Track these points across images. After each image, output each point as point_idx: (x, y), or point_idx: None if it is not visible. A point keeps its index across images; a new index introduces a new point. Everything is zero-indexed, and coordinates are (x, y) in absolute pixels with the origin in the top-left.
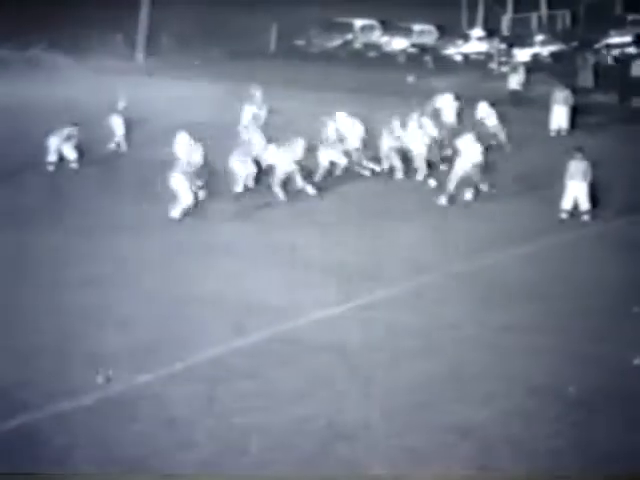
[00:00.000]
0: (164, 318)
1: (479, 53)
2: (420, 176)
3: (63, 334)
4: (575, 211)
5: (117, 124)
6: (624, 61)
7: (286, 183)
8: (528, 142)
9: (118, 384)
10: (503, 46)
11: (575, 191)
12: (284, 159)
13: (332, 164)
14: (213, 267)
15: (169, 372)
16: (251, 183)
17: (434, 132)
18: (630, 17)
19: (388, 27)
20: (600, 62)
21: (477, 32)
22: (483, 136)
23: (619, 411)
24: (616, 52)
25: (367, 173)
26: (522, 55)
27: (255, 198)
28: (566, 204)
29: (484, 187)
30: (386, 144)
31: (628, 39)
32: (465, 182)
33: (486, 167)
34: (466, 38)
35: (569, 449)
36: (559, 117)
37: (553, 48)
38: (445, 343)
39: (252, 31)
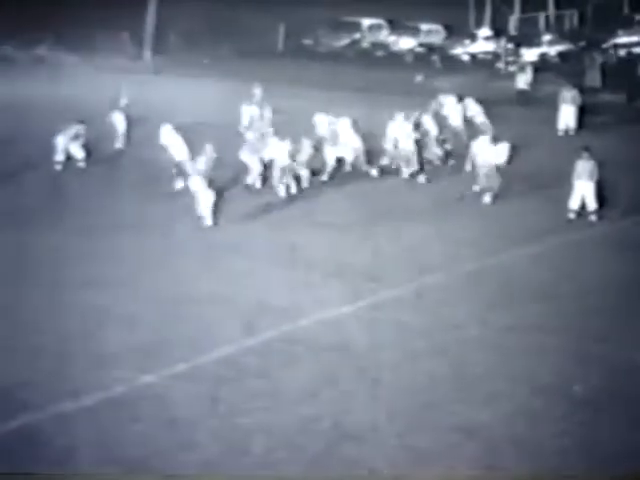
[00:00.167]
0: (169, 318)
1: (486, 53)
2: (405, 174)
3: (66, 334)
4: (582, 211)
5: (119, 121)
6: (632, 61)
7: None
8: (536, 142)
9: (121, 384)
10: (510, 46)
11: (582, 191)
12: (282, 154)
13: (339, 161)
14: (218, 267)
15: (173, 372)
16: (258, 183)
17: (434, 130)
18: (638, 17)
19: (396, 26)
20: (608, 62)
21: (484, 32)
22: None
23: (624, 411)
24: (624, 52)
25: (375, 173)
26: (529, 55)
27: (262, 198)
28: (573, 204)
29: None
30: (389, 143)
31: (636, 39)
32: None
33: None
34: (473, 38)
35: (574, 449)
36: (567, 117)
37: (561, 48)
38: (450, 343)
39: (260, 30)
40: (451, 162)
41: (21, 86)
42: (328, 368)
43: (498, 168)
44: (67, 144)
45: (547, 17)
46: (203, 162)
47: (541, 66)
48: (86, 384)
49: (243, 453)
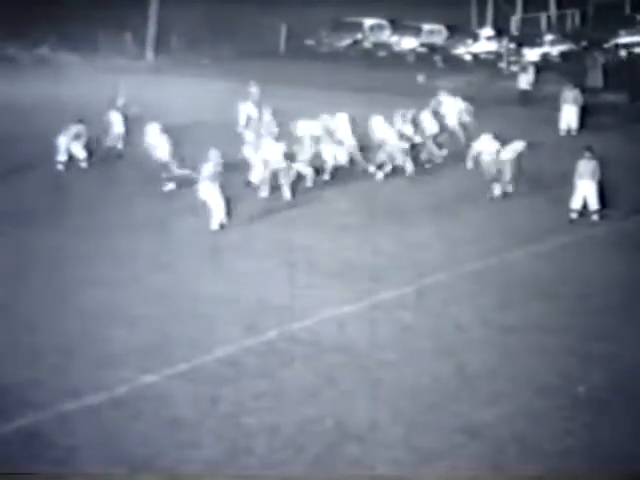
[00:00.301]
0: (171, 318)
1: (488, 53)
2: (373, 168)
3: (68, 334)
4: (584, 211)
5: (116, 121)
6: (634, 61)
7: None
8: (537, 142)
9: (124, 384)
10: (512, 46)
11: (584, 190)
12: (275, 155)
13: (337, 161)
14: (220, 267)
15: (175, 372)
16: (265, 191)
17: (435, 128)
18: (639, 17)
19: (397, 27)
20: (609, 62)
21: (487, 32)
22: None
23: (628, 411)
24: (625, 52)
25: (380, 174)
26: (531, 55)
27: (265, 199)
28: (575, 204)
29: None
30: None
31: (637, 39)
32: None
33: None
34: (475, 38)
35: (578, 449)
36: (568, 117)
37: (562, 48)
38: (453, 343)
39: (262, 30)
40: (450, 160)
41: (23, 86)
42: (330, 368)
43: (511, 162)
44: (69, 144)
45: (549, 17)
46: (211, 167)
47: (543, 66)
48: (88, 384)
49: (245, 453)
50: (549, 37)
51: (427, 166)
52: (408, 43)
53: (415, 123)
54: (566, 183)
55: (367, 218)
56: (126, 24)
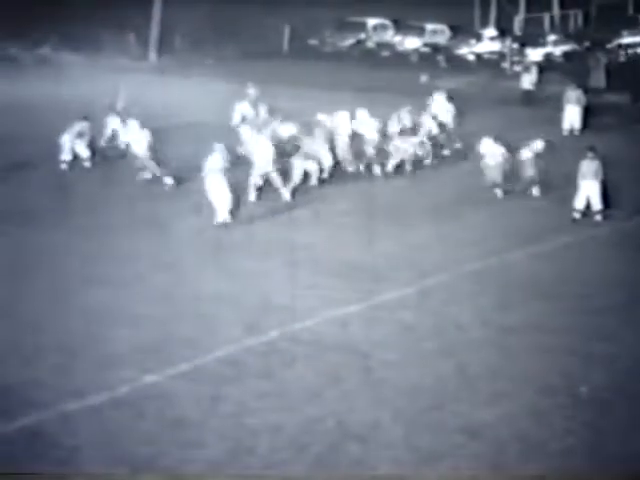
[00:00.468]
0: (173, 317)
1: (492, 53)
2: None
3: (70, 334)
4: (587, 211)
5: (115, 124)
6: (636, 61)
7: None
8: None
9: (126, 384)
10: (516, 46)
11: (587, 190)
12: (263, 157)
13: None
14: (223, 267)
15: (177, 372)
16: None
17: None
18: None
19: (401, 26)
20: (612, 62)
21: (490, 32)
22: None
23: (629, 410)
24: (628, 52)
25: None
26: (534, 55)
27: (266, 198)
28: (579, 204)
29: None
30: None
31: None
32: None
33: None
34: (479, 38)
35: (579, 449)
36: (571, 117)
37: (565, 48)
38: (455, 343)
39: (265, 31)
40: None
41: (25, 86)
42: (332, 368)
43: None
44: (73, 143)
45: (552, 17)
46: (216, 159)
47: (546, 66)
48: (91, 384)
49: (247, 453)
50: (552, 37)
51: (428, 164)
52: (411, 43)
53: (415, 123)
54: (569, 183)
55: (369, 218)
56: (129, 24)
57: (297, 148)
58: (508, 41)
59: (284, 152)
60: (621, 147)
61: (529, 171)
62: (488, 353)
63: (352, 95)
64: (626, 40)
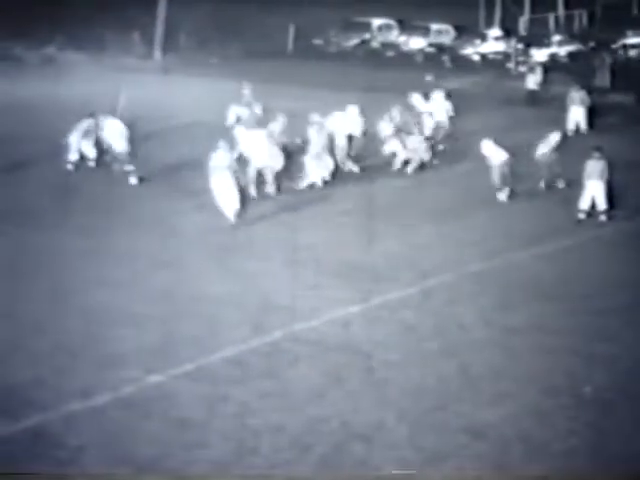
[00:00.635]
0: (177, 318)
1: (497, 53)
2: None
3: (74, 334)
4: (592, 211)
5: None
6: None
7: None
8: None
9: (130, 384)
10: (520, 46)
11: (592, 191)
12: (259, 153)
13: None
14: (227, 267)
15: (181, 372)
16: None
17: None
18: None
19: (406, 26)
20: (617, 62)
21: (495, 32)
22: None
23: (632, 411)
24: (633, 52)
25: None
26: (539, 55)
27: (271, 198)
28: (583, 204)
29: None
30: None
31: None
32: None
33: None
34: (484, 38)
35: (582, 449)
36: (576, 117)
37: (570, 48)
38: (458, 344)
39: (270, 30)
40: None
41: (30, 86)
42: (336, 368)
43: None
44: (80, 142)
45: (557, 17)
46: (220, 156)
47: (551, 66)
48: (95, 384)
49: (251, 453)
50: (557, 37)
51: (430, 164)
52: (416, 43)
53: (406, 121)
54: (573, 183)
55: (370, 218)
56: (134, 23)
57: (302, 147)
58: (513, 41)
59: (287, 150)
60: (626, 147)
61: (548, 166)
62: (491, 353)
63: (357, 95)
64: (631, 40)
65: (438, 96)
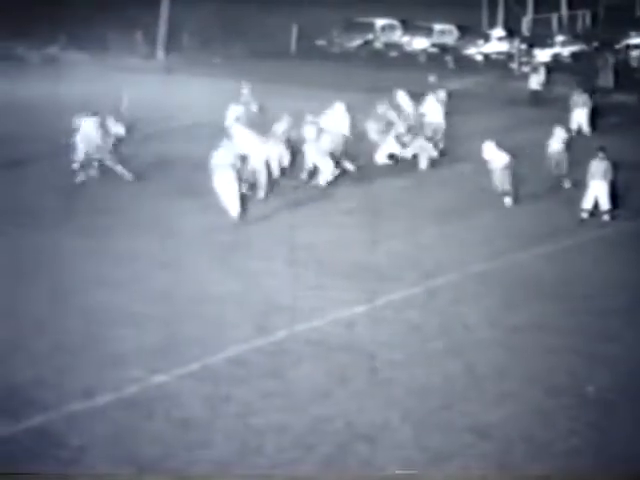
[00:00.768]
0: (181, 317)
1: (500, 53)
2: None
3: (77, 334)
4: (595, 210)
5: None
6: None
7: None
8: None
9: (133, 384)
10: (524, 46)
11: (596, 190)
12: (257, 154)
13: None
14: (230, 267)
15: (185, 372)
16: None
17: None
18: None
19: (409, 27)
20: (620, 62)
21: (498, 32)
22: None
23: (634, 411)
24: (636, 53)
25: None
26: (542, 55)
27: (273, 198)
28: (586, 204)
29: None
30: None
31: None
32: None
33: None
34: (487, 38)
35: (586, 449)
36: (579, 119)
37: (573, 48)
38: (463, 343)
39: (273, 30)
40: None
41: (33, 86)
42: (340, 368)
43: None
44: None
45: (560, 18)
46: (222, 154)
47: (554, 67)
48: (98, 384)
49: (255, 453)
50: (560, 38)
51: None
52: (419, 43)
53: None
54: (578, 184)
55: (374, 218)
56: (137, 23)
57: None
58: (516, 42)
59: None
60: (629, 147)
61: (557, 164)
62: (495, 353)
63: (360, 95)
64: (634, 40)
65: (430, 98)
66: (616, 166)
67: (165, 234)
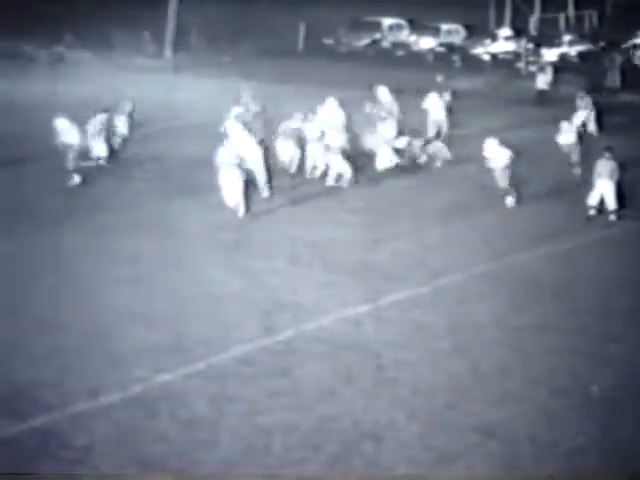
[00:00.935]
0: (187, 316)
1: (507, 53)
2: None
3: (84, 333)
4: (602, 207)
5: (120, 124)
6: None
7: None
8: (554, 142)
9: (139, 383)
10: (531, 46)
11: (602, 190)
12: (254, 154)
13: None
14: (237, 265)
15: (191, 371)
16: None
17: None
18: None
19: (416, 26)
20: (627, 62)
21: (505, 32)
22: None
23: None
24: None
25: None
26: (550, 55)
27: (281, 196)
28: (592, 201)
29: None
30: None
31: None
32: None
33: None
34: (494, 38)
35: (592, 449)
36: (584, 119)
37: (581, 48)
38: (469, 343)
39: (281, 29)
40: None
41: (40, 84)
42: (347, 367)
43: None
44: (92, 140)
45: (567, 17)
46: (226, 151)
47: (561, 66)
48: (104, 383)
49: (262, 452)
50: (567, 37)
51: (437, 163)
52: (426, 43)
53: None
54: (583, 184)
55: (381, 217)
56: (144, 22)
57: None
58: (523, 41)
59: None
60: (636, 147)
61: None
62: (500, 353)
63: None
64: None
65: (433, 95)
66: (623, 166)
67: (170, 233)
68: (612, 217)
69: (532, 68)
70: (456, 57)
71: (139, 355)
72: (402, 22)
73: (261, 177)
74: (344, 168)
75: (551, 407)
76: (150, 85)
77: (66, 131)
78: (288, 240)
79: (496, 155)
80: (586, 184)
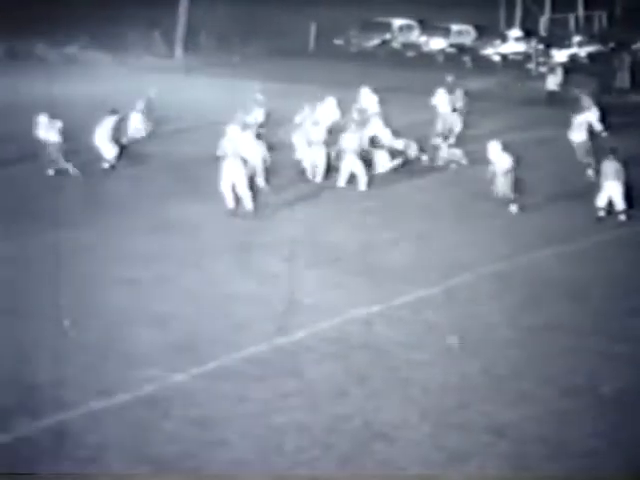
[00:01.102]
0: (200, 317)
1: (517, 53)
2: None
3: (97, 333)
4: (610, 208)
5: (135, 122)
6: None
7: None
8: (564, 142)
9: (152, 383)
10: (541, 47)
11: (609, 191)
12: (252, 156)
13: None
14: (250, 266)
15: (204, 371)
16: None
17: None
18: None
19: (426, 27)
20: (637, 63)
21: (515, 32)
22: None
23: None
24: None
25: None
26: (560, 56)
27: (294, 196)
28: (601, 202)
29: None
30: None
31: None
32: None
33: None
34: (504, 38)
35: (604, 449)
36: (591, 120)
37: (590, 49)
38: (480, 343)
39: (291, 30)
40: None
41: (54, 85)
42: (359, 367)
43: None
44: (104, 141)
45: (577, 18)
46: (228, 142)
47: (571, 67)
48: (117, 383)
49: (274, 452)
50: (577, 38)
51: (452, 166)
52: (437, 44)
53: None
54: (592, 184)
55: (393, 217)
56: (155, 22)
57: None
58: (533, 42)
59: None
60: None
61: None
62: (513, 353)
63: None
64: None
65: (441, 91)
66: (632, 165)
67: (186, 233)
68: (621, 217)
69: (542, 69)
70: (466, 58)
71: (152, 355)
72: (412, 23)
73: (260, 177)
74: (359, 170)
75: (563, 407)
76: (161, 85)
77: (44, 128)
78: (301, 241)
79: (498, 159)
80: (595, 185)
